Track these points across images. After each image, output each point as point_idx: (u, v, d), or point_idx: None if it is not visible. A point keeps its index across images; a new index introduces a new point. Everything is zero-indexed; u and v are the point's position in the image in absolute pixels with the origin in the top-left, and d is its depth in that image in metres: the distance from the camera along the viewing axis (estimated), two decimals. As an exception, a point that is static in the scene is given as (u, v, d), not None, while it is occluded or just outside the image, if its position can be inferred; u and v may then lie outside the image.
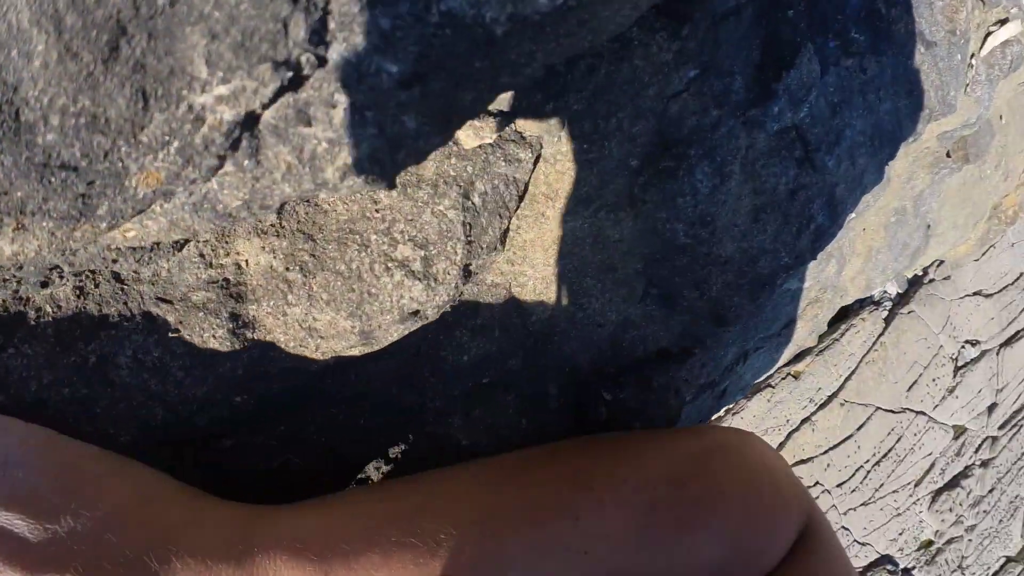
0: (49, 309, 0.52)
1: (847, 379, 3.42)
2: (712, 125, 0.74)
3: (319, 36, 0.35)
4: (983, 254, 2.75)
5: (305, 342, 0.63)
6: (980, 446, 3.58)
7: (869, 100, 0.79)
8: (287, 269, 0.60)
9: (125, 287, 0.55)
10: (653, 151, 0.74)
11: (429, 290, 0.63)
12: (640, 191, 0.74)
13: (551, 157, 0.69)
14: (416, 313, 0.65)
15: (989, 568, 3.44)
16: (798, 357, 2.64)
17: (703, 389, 1.16)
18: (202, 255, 0.56)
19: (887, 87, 0.81)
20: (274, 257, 0.60)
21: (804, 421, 3.38)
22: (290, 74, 0.36)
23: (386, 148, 0.37)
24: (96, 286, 0.55)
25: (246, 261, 0.58)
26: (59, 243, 0.36)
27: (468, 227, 0.62)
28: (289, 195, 0.42)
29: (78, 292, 0.54)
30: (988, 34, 1.03)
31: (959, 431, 3.56)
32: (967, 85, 1.04)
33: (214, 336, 0.58)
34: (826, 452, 3.41)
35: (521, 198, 0.68)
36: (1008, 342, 3.62)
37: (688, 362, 1.05)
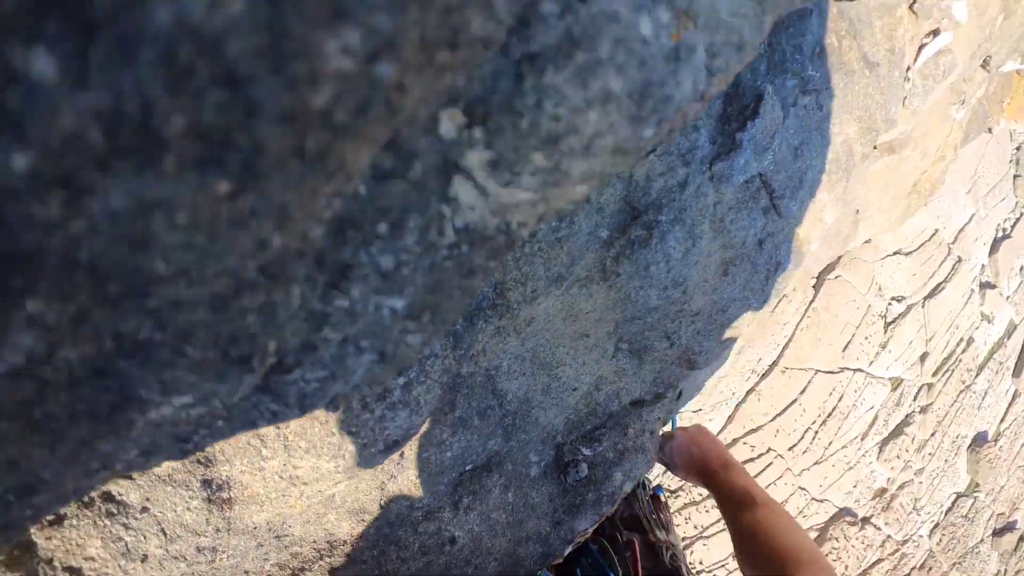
0: None
1: (785, 347, 3.52)
2: (680, 184, 0.70)
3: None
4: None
5: (287, 491, 0.56)
6: (917, 394, 3.78)
7: (826, 136, 0.77)
8: (250, 419, 0.53)
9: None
10: (622, 219, 0.69)
11: (413, 415, 0.57)
12: (613, 264, 0.70)
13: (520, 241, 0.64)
14: (403, 436, 0.59)
15: (942, 505, 3.64)
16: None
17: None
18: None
19: (840, 118, 0.79)
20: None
21: (749, 392, 3.45)
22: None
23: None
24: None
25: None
26: None
27: (450, 340, 0.57)
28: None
29: None
30: (922, 46, 1.04)
31: (896, 382, 3.75)
32: (904, 98, 1.04)
33: (188, 508, 0.51)
34: (774, 419, 3.49)
35: (497, 292, 0.63)
36: (931, 294, 3.83)
37: (659, 403, 1.03)
